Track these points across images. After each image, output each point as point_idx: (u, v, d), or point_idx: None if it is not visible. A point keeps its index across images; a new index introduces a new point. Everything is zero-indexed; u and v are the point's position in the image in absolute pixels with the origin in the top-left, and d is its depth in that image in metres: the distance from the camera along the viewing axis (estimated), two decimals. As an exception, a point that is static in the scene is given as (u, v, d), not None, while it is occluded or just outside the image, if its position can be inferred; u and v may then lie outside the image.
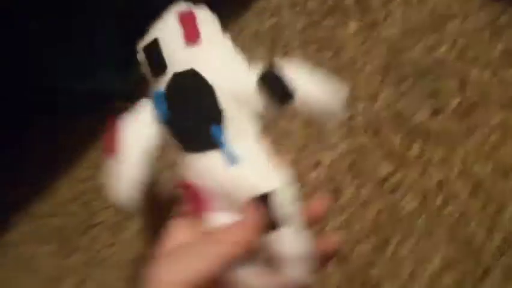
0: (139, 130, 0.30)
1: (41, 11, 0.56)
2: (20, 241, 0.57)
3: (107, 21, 0.58)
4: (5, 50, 0.57)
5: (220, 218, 0.30)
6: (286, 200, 0.29)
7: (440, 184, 0.44)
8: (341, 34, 0.55)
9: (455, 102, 0.47)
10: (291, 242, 0.29)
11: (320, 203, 0.32)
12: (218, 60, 0.30)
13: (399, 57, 0.51)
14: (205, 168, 0.29)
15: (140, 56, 0.31)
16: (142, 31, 0.61)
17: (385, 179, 0.45)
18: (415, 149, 0.46)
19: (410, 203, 0.44)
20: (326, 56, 0.54)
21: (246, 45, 0.58)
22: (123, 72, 0.60)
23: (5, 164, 0.61)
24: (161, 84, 0.30)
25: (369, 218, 0.44)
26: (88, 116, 0.59)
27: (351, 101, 0.50)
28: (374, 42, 0.53)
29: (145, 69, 0.31)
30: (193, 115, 0.29)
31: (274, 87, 0.29)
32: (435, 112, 0.47)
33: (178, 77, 0.29)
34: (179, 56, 0.30)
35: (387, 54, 0.52)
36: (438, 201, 0.43)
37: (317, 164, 0.48)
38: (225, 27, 0.61)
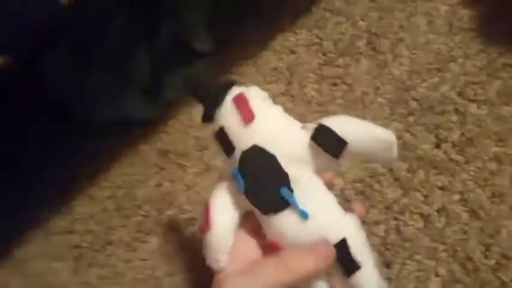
0: (226, 205, 0.36)
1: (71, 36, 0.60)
2: (36, 257, 0.60)
3: (138, 49, 0.63)
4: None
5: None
6: (358, 243, 0.33)
7: (442, 208, 0.48)
8: (354, 71, 0.60)
9: (456, 134, 0.52)
10: (368, 281, 0.32)
11: (358, 208, 0.36)
12: (272, 131, 0.35)
13: (406, 94, 0.56)
14: (281, 226, 0.34)
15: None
16: (170, 60, 0.66)
17: (393, 202, 0.50)
18: (420, 175, 0.50)
19: (415, 225, 0.48)
20: (340, 90, 0.59)
21: (265, 80, 0.64)
22: (152, 101, 0.65)
23: (23, 181, 0.66)
24: (235, 162, 0.35)
25: (378, 236, 0.49)
26: (108, 138, 0.64)
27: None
28: (384, 80, 0.58)
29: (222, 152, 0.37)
30: (264, 183, 0.34)
31: (327, 143, 0.33)
32: (438, 143, 0.52)
33: (246, 154, 0.35)
34: (242, 136, 0.35)
35: (395, 90, 0.57)
36: (441, 223, 0.47)
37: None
38: (246, 64, 0.67)
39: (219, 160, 0.59)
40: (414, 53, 0.59)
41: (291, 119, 0.37)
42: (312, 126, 0.35)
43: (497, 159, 0.48)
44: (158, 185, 0.59)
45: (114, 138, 0.64)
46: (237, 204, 0.36)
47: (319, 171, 0.35)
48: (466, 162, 0.49)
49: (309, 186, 0.34)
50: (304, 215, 0.33)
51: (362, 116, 0.55)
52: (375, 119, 0.55)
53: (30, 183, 0.65)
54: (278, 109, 0.37)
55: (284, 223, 0.34)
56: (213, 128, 0.37)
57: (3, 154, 0.64)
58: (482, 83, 0.53)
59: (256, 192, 0.35)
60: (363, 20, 0.65)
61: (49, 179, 0.64)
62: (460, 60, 0.56)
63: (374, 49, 0.61)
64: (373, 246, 0.48)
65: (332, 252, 0.32)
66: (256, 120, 0.35)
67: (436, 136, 0.52)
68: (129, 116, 0.60)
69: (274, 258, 0.33)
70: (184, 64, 0.65)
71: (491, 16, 0.58)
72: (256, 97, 0.37)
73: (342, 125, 0.34)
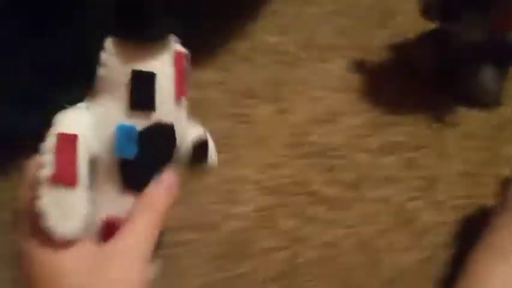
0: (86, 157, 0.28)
1: None
2: None
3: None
4: None
5: None
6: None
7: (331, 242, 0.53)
8: (258, 113, 0.65)
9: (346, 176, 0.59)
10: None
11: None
12: (184, 121, 0.33)
13: (302, 139, 0.63)
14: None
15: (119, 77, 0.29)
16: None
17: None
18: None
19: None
20: (245, 128, 0.64)
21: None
22: (35, 110, 0.61)
23: None
24: (136, 119, 0.29)
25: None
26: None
27: (264, 167, 0.60)
28: (282, 124, 0.64)
29: (115, 89, 0.29)
30: (157, 166, 0.31)
31: (199, 151, 0.35)
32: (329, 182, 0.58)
33: (159, 126, 0.30)
34: (167, 106, 0.30)
35: (292, 135, 0.63)
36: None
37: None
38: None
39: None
40: (309, 104, 0.66)
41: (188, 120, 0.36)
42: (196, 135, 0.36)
43: (384, 201, 0.56)
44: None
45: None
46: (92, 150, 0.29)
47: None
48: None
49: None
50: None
51: (265, 155, 0.61)
52: (274, 157, 0.61)
53: None
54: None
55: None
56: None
57: None
58: (364, 138, 0.62)
59: (142, 167, 0.30)
60: (265, 68, 0.71)
61: None
62: (348, 115, 0.65)
63: (276, 96, 0.68)
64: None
65: (174, 178, 0.32)
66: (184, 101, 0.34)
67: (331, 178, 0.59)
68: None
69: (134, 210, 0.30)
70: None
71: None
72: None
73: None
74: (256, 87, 0.69)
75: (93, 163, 0.29)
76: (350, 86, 0.68)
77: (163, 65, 0.30)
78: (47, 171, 0.27)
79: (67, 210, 0.27)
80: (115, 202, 0.30)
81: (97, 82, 0.29)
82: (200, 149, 0.35)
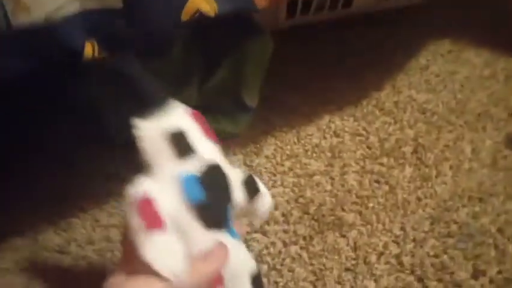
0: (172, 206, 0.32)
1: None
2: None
3: (189, 84, 0.60)
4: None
5: None
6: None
7: None
8: (397, 175, 0.59)
9: (493, 270, 0.50)
10: None
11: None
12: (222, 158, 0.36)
13: (447, 215, 0.55)
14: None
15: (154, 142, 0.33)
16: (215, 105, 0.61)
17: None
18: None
19: None
20: (382, 190, 0.57)
21: (306, 154, 0.62)
22: None
23: (23, 180, 0.58)
24: (188, 167, 0.33)
25: None
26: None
27: (402, 238, 0.53)
28: (425, 193, 0.57)
29: (162, 148, 0.33)
30: (221, 201, 0.34)
31: (252, 187, 0.37)
32: (476, 275, 0.50)
33: (210, 167, 0.33)
34: (205, 146, 0.34)
35: (436, 208, 0.56)
36: None
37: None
38: (289, 132, 0.64)
39: (243, 221, 0.55)
40: (457, 176, 0.59)
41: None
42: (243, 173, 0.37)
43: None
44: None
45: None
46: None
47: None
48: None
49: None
50: (236, 236, 0.35)
51: (403, 224, 0.54)
52: (414, 229, 0.53)
53: (31, 185, 0.57)
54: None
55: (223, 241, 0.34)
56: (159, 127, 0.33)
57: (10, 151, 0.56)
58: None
59: (211, 207, 0.33)
60: (411, 128, 0.65)
61: (53, 186, 0.56)
62: (501, 198, 0.56)
63: (419, 159, 0.61)
64: None
65: (226, 252, 0.33)
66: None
67: (474, 266, 0.51)
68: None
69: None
70: (228, 113, 0.62)
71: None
72: None
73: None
74: (398, 145, 0.63)
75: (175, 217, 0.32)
76: (505, 165, 0.60)
77: (181, 119, 0.34)
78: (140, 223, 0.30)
79: (167, 251, 0.30)
80: (202, 240, 0.33)
81: (142, 155, 0.33)
82: (251, 184, 0.37)
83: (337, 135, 0.64)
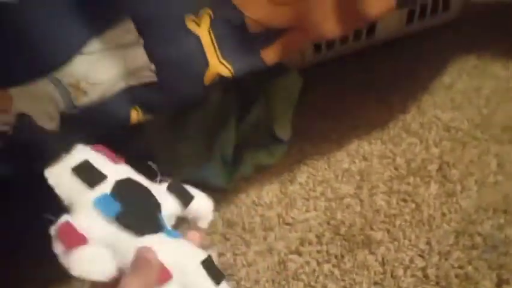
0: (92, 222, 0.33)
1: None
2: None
3: (228, 125, 0.68)
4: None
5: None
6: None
7: None
8: (423, 192, 0.64)
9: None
10: None
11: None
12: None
13: (471, 228, 0.59)
14: (158, 245, 0.34)
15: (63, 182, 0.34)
16: (251, 140, 0.69)
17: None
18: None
19: None
20: (408, 208, 0.62)
21: (336, 179, 0.68)
22: (230, 172, 0.68)
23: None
24: (101, 190, 0.34)
25: None
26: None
27: (428, 252, 0.57)
28: (451, 208, 0.61)
29: (74, 186, 0.34)
30: (141, 208, 0.35)
31: (181, 192, 0.38)
32: (499, 284, 0.53)
33: (121, 182, 0.35)
34: (110, 170, 0.35)
35: (461, 221, 0.59)
36: None
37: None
38: (320, 159, 0.70)
39: (280, 244, 0.61)
40: (482, 190, 0.62)
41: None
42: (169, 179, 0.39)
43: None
44: (221, 255, 0.60)
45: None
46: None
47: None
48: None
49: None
50: (176, 235, 0.35)
51: (428, 238, 0.58)
52: (439, 243, 0.58)
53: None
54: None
55: (160, 243, 0.34)
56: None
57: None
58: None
59: (133, 215, 0.34)
60: (436, 146, 0.69)
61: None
62: (527, 209, 0.59)
63: (444, 176, 0.65)
64: None
65: (150, 254, 0.33)
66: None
67: (498, 276, 0.54)
68: (207, 181, 0.63)
69: None
70: (263, 147, 0.69)
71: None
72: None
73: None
74: (424, 164, 0.67)
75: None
76: (532, 176, 0.63)
77: (83, 152, 0.35)
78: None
79: (94, 259, 0.32)
80: (132, 249, 0.34)
81: (61, 201, 0.34)
82: (179, 190, 0.38)
83: (365, 159, 0.69)
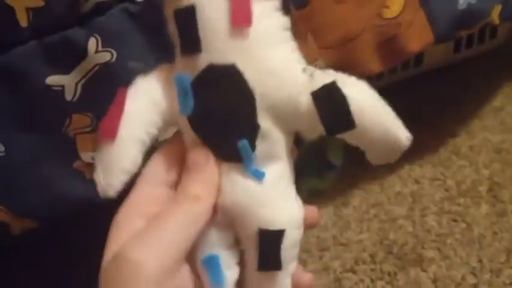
0: (146, 109, 0.27)
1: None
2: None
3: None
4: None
5: (216, 234, 0.27)
6: (292, 242, 0.27)
7: None
8: (473, 212, 0.66)
9: None
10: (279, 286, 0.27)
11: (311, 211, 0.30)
12: (269, 60, 0.25)
13: (524, 245, 0.61)
14: (225, 176, 0.26)
15: (170, 22, 0.26)
16: (304, 166, 0.74)
17: None
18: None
19: None
20: (459, 227, 0.65)
21: (388, 201, 0.72)
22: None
23: None
24: (190, 68, 0.26)
25: None
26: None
27: (479, 269, 0.60)
28: (502, 227, 0.63)
29: (174, 38, 0.27)
30: (222, 122, 0.26)
31: (331, 109, 0.25)
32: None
33: (215, 70, 0.25)
34: (219, 42, 0.25)
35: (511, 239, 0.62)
36: None
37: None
38: (372, 183, 0.75)
39: (336, 263, 0.66)
40: (534, 209, 0.64)
41: (297, 58, 0.26)
42: (319, 76, 0.26)
43: None
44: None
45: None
46: (163, 112, 0.27)
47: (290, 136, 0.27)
48: None
49: (274, 153, 0.26)
50: (259, 175, 0.26)
51: (479, 257, 0.61)
52: (490, 261, 0.60)
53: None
54: (289, 38, 0.26)
55: (227, 172, 0.26)
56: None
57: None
58: None
59: (206, 125, 0.26)
60: (486, 168, 0.72)
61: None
62: None
63: (494, 196, 0.67)
64: None
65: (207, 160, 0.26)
66: (252, 30, 0.25)
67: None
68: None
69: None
70: (315, 172, 0.75)
71: None
72: (267, 5, 0.25)
73: (362, 100, 0.26)
74: (474, 185, 0.70)
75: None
76: None
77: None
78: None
79: (107, 166, 0.26)
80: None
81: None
82: (331, 101, 0.25)
83: (417, 182, 0.73)
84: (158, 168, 0.27)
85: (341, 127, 0.25)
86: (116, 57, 0.40)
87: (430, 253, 0.63)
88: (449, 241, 0.64)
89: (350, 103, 0.25)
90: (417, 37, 0.55)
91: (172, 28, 0.26)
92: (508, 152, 0.73)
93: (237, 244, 0.28)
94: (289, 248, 0.27)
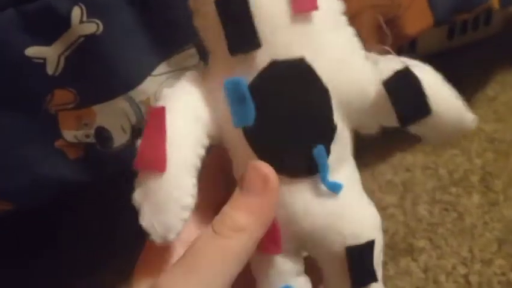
0: (189, 127, 0.22)
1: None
2: None
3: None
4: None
5: (285, 263, 0.23)
6: (379, 248, 0.24)
7: None
8: (465, 202, 0.65)
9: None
10: None
11: None
12: (336, 49, 0.22)
13: (515, 236, 0.60)
14: (291, 196, 0.22)
15: (201, 16, 0.22)
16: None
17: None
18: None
19: None
20: (451, 217, 0.64)
21: (379, 189, 0.71)
22: None
23: None
24: (245, 68, 0.21)
25: None
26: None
27: (470, 259, 0.59)
28: (493, 217, 0.63)
29: (210, 36, 0.22)
30: (292, 127, 0.22)
31: (406, 97, 0.22)
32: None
33: (279, 67, 0.21)
34: (280, 32, 0.21)
35: (504, 229, 0.61)
36: None
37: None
38: (364, 171, 0.73)
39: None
40: (526, 199, 0.64)
41: (359, 44, 0.23)
42: (383, 62, 0.23)
43: None
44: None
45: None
46: (207, 128, 0.22)
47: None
48: None
49: (345, 154, 0.24)
50: (336, 188, 0.23)
51: (470, 246, 0.60)
52: (481, 251, 0.59)
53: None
54: (348, 25, 0.23)
55: (297, 194, 0.22)
56: None
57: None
58: None
59: (272, 135, 0.21)
60: (478, 157, 0.71)
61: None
62: None
63: (486, 187, 0.67)
64: None
65: (275, 183, 0.21)
66: (316, 16, 0.21)
67: (542, 283, 0.55)
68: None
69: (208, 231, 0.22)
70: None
71: None
72: None
73: (434, 83, 0.23)
74: (466, 175, 0.69)
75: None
76: None
77: None
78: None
79: (160, 205, 0.21)
80: None
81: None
82: (405, 88, 0.22)
83: (408, 170, 0.72)
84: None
85: (417, 115, 0.22)
86: (103, 30, 0.38)
87: (421, 243, 0.62)
88: (440, 231, 0.63)
89: (426, 88, 0.22)
90: (417, 19, 0.53)
91: (204, 23, 0.22)
92: (500, 141, 0.72)
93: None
94: (379, 255, 0.24)
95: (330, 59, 0.22)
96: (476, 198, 0.65)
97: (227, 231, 0.21)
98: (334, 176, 0.23)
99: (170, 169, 0.21)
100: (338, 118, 0.22)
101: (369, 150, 0.76)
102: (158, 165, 0.21)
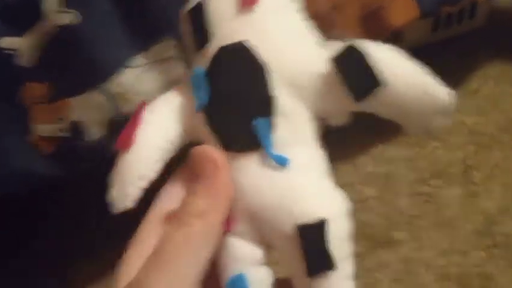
0: (164, 118, 0.25)
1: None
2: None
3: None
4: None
5: (240, 248, 0.23)
6: (341, 234, 0.23)
7: None
8: (446, 194, 0.66)
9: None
10: None
11: None
12: (278, 30, 0.23)
13: (494, 228, 0.61)
14: (240, 173, 0.23)
15: (183, 24, 0.25)
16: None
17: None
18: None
19: None
20: (431, 209, 0.65)
21: (360, 181, 0.71)
22: None
23: None
24: (204, 60, 0.24)
25: None
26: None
27: (449, 251, 0.60)
28: (473, 209, 0.63)
29: (189, 41, 0.25)
30: (235, 104, 0.23)
31: (354, 71, 0.22)
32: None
33: (225, 51, 0.23)
34: (228, 24, 0.23)
35: (484, 222, 0.62)
36: None
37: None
38: (344, 163, 0.73)
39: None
40: (506, 192, 0.64)
41: (309, 29, 0.24)
42: (335, 44, 0.23)
43: None
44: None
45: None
46: (183, 123, 0.25)
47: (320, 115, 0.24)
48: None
49: (298, 130, 0.23)
50: (282, 161, 0.22)
51: (450, 238, 0.61)
52: (460, 243, 0.60)
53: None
54: (296, 8, 0.25)
55: (244, 170, 0.23)
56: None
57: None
58: None
59: (220, 113, 0.23)
60: (459, 150, 0.71)
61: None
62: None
63: (467, 179, 0.67)
64: None
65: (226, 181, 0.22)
66: (259, 7, 0.23)
67: (519, 274, 0.56)
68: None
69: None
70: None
71: None
72: None
73: (389, 57, 0.23)
74: (447, 167, 0.69)
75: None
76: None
77: None
78: None
79: (122, 177, 0.24)
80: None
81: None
82: (354, 64, 0.22)
83: (389, 162, 0.72)
84: (167, 198, 0.24)
85: (369, 87, 0.22)
86: (81, 20, 0.37)
87: (401, 235, 0.62)
88: (420, 223, 0.63)
89: (376, 61, 0.22)
90: (402, 10, 0.53)
91: (185, 31, 0.25)
92: (482, 134, 0.72)
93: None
94: (338, 243, 0.23)
95: (274, 42, 0.23)
96: (456, 190, 0.66)
97: (189, 219, 0.22)
98: (286, 152, 0.23)
99: (135, 147, 0.24)
100: (286, 97, 0.23)
101: (351, 142, 0.76)
102: (126, 143, 0.24)
